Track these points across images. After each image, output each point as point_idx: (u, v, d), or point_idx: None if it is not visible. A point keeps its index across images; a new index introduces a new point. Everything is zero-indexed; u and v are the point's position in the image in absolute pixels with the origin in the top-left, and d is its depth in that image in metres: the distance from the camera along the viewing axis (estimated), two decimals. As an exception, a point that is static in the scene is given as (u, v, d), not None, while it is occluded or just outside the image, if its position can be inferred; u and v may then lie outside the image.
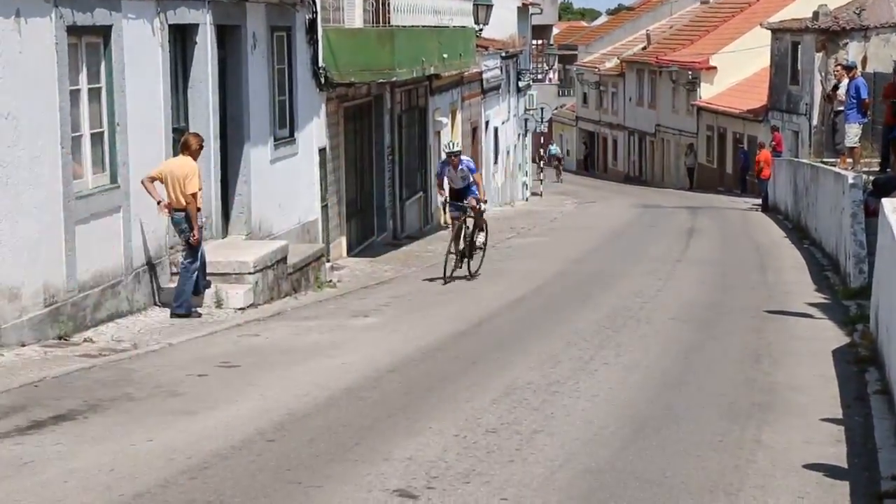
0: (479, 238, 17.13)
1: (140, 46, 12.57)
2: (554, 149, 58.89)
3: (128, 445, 7.44)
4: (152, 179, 12.48)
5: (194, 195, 12.48)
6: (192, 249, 12.63)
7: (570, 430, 7.99)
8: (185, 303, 12.57)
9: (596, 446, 7.60)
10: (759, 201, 31.88)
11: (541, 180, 45.30)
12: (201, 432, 7.79)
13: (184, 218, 12.52)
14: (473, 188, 16.68)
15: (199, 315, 12.75)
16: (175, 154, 13.24)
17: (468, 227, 16.72)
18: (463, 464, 7.13)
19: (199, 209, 12.66)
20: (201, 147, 13.02)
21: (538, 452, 7.41)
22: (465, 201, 16.50)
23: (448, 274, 16.27)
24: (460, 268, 16.62)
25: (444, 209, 17.09)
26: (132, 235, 12.45)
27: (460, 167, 16.52)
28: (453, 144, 17.19)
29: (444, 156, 17.85)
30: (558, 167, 57.01)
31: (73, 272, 11.22)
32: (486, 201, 17.50)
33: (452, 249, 16.56)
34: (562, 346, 11.21)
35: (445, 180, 16.77)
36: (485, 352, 10.97)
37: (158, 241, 13.12)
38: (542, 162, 50.56)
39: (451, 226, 17.10)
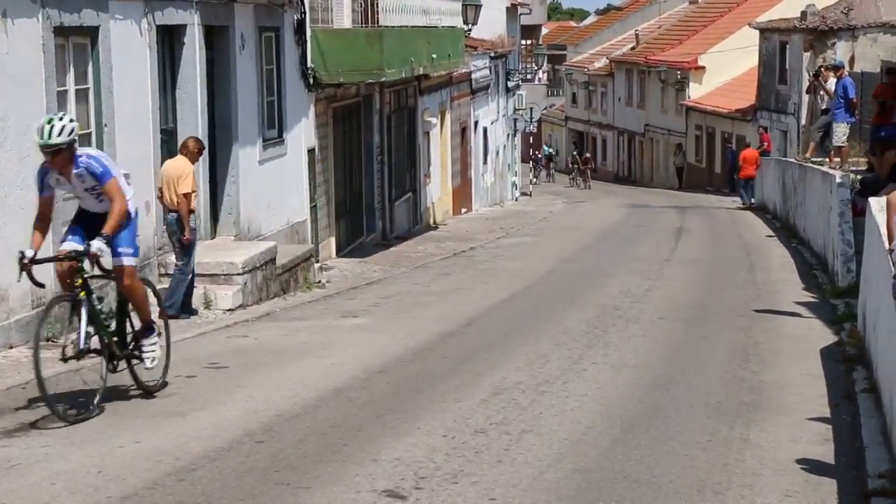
0: (133, 322, 9.01)
1: (127, 47, 12.55)
2: (547, 150, 58.91)
3: (116, 447, 7.43)
4: (161, 190, 12.67)
5: (186, 196, 12.49)
6: (186, 251, 12.62)
7: (559, 429, 7.99)
8: (176, 303, 12.52)
9: (584, 446, 7.61)
10: (749, 200, 31.95)
11: (531, 181, 45.45)
12: (189, 434, 7.78)
13: (176, 219, 12.54)
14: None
15: (196, 313, 12.78)
16: (164, 155, 13.24)
17: (93, 300, 8.48)
18: (451, 464, 7.13)
19: (192, 211, 12.63)
20: (200, 151, 13.11)
21: (527, 452, 7.41)
22: (87, 245, 8.30)
23: (40, 388, 7.98)
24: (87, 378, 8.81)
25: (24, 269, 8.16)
26: (120, 236, 12.40)
27: (76, 171, 8.27)
28: (50, 130, 8.04)
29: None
30: (548, 166, 56.69)
31: (61, 274, 11.17)
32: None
33: (47, 335, 9.50)
34: (550, 345, 11.22)
35: (56, 199, 8.79)
36: (474, 352, 10.97)
37: (147, 242, 13.09)
38: (535, 163, 50.85)
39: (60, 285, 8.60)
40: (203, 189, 14.59)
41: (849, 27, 33.36)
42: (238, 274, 13.58)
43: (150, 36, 13.09)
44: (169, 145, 14.01)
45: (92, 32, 11.94)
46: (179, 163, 12.72)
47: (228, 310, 13.22)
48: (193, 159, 12.87)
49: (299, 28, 17.88)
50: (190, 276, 12.76)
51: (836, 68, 21.57)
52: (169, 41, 14.00)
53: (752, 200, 31.79)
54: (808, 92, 26.05)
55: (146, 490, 6.58)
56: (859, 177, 16.67)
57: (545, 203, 38.65)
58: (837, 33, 33.43)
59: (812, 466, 7.18)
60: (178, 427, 7.96)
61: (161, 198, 12.75)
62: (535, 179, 52.41)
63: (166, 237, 13.54)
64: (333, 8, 19.98)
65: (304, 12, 17.96)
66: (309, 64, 18.30)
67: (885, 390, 7.86)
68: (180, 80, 14.25)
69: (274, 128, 17.22)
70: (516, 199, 41.17)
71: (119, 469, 6.96)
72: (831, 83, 21.11)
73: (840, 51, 32.95)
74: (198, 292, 13.21)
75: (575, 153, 57.05)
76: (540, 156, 57.89)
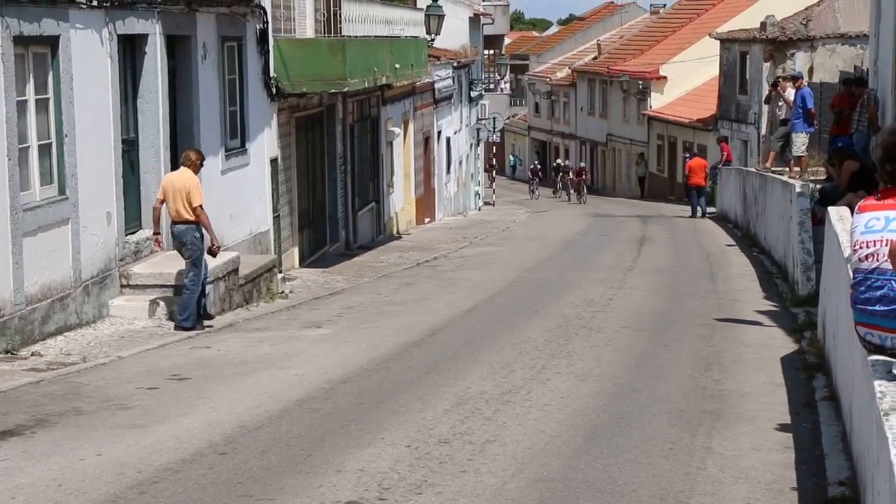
0: None
1: (88, 57, 12.48)
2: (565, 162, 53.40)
3: (76, 460, 7.37)
4: (161, 201, 12.90)
5: (200, 207, 12.71)
6: (196, 262, 12.72)
7: (523, 439, 8.01)
8: (191, 316, 12.60)
9: (548, 455, 7.63)
10: (711, 209, 32.17)
11: (492, 189, 45.46)
12: (152, 446, 7.74)
13: (185, 230, 12.66)
14: None
15: (212, 317, 13.18)
16: (126, 165, 13.15)
17: None
18: (415, 475, 7.13)
19: (196, 221, 12.76)
20: (202, 163, 13.26)
21: (490, 462, 7.42)
22: None
23: None
24: None
25: None
26: (81, 248, 12.34)
27: None
28: None
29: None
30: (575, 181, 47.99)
31: (21, 285, 11.10)
32: (216, 245, 12.98)
33: None
34: (514, 355, 11.24)
35: None
36: (437, 362, 10.97)
37: (108, 253, 13.02)
38: (567, 178, 47.88)
39: None
40: (165, 199, 14.50)
41: (808, 38, 33.70)
42: (200, 284, 13.48)
43: (112, 45, 13.02)
44: (130, 155, 13.94)
45: (52, 42, 11.85)
46: (185, 175, 12.83)
47: (191, 321, 13.13)
48: (196, 171, 13.02)
49: (262, 38, 17.84)
50: (201, 286, 12.85)
51: (795, 79, 21.78)
52: (130, 51, 13.93)
53: (709, 210, 31.95)
54: (766, 102, 26.30)
55: (107, 503, 6.54)
56: (819, 186, 16.84)
57: (508, 213, 38.73)
58: (797, 44, 33.76)
59: (773, 474, 7.24)
60: (140, 439, 7.91)
61: (157, 208, 12.97)
62: (536, 193, 49.83)
63: (127, 248, 13.48)
64: (296, 18, 19.95)
65: (267, 22, 17.92)
66: (271, 73, 18.26)
67: (845, 398, 7.94)
68: (142, 90, 14.17)
69: (236, 137, 17.16)
70: (479, 209, 41.23)
71: (80, 482, 6.91)
72: (790, 93, 21.32)
73: (799, 61, 33.28)
74: (160, 303, 13.15)
75: (561, 161, 53.40)
76: (560, 168, 52.35)
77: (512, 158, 65.50)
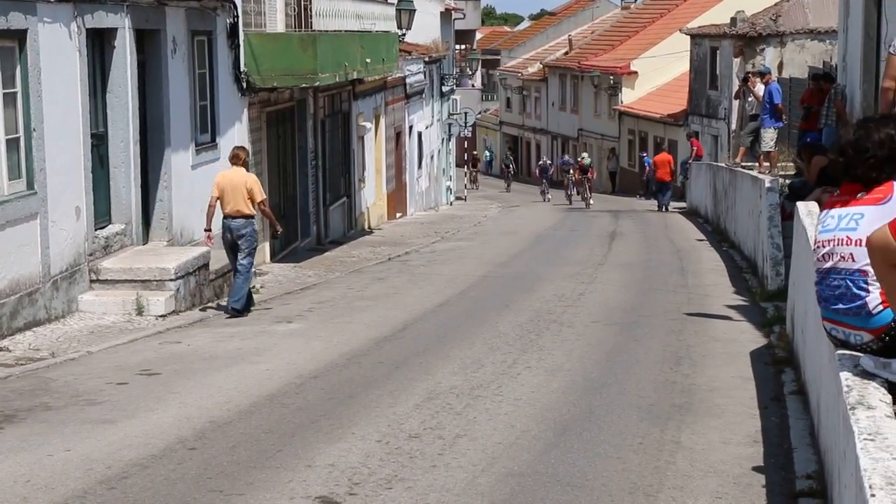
0: None
1: (57, 51, 12.40)
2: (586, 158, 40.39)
3: (45, 456, 7.34)
4: (217, 199, 13.83)
5: (264, 201, 14.00)
6: (252, 252, 13.83)
7: (493, 434, 8.02)
8: (241, 299, 13.62)
9: (518, 450, 7.64)
10: (681, 205, 32.40)
11: (466, 186, 45.44)
12: (121, 441, 7.71)
13: (245, 224, 13.68)
14: None
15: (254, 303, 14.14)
16: (95, 160, 13.08)
17: None
18: (385, 469, 7.13)
19: (252, 215, 13.85)
20: (247, 157, 14.44)
21: (461, 457, 7.43)
22: None
23: None
24: None
25: None
26: (50, 242, 12.27)
27: None
28: None
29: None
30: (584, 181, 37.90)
31: (-11, 280, 11.02)
32: (278, 229, 15.02)
33: None
34: (485, 350, 11.26)
35: None
36: (408, 357, 10.97)
37: (77, 248, 12.95)
38: (569, 177, 39.82)
39: None
40: (135, 194, 14.46)
41: (777, 34, 33.89)
42: (171, 280, 13.46)
43: (80, 39, 12.93)
44: (99, 150, 13.87)
45: (20, 35, 11.76)
46: (240, 173, 13.86)
47: (161, 316, 13.10)
48: (247, 167, 14.19)
49: (232, 32, 17.77)
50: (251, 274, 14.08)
51: (763, 74, 21.89)
52: (99, 45, 13.85)
53: (676, 205, 32.38)
54: (736, 97, 26.43)
55: (76, 499, 6.51)
56: (788, 181, 16.93)
57: (480, 207, 38.75)
58: (766, 39, 33.96)
59: (742, 468, 7.28)
60: (108, 435, 7.88)
61: (213, 206, 13.84)
62: (548, 196, 43.20)
63: (97, 243, 13.41)
64: (266, 12, 19.88)
65: (237, 16, 17.85)
66: (242, 68, 18.19)
67: (812, 392, 7.99)
68: (111, 84, 14.10)
69: (207, 132, 17.09)
70: (451, 204, 41.24)
71: (48, 478, 6.87)
72: (759, 88, 21.43)
73: (769, 56, 33.47)
74: (129, 298, 13.11)
75: (569, 158, 43.68)
76: (567, 165, 42.68)
77: (487, 154, 65.42)
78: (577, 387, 9.65)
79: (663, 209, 32.57)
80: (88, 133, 13.26)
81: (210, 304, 14.26)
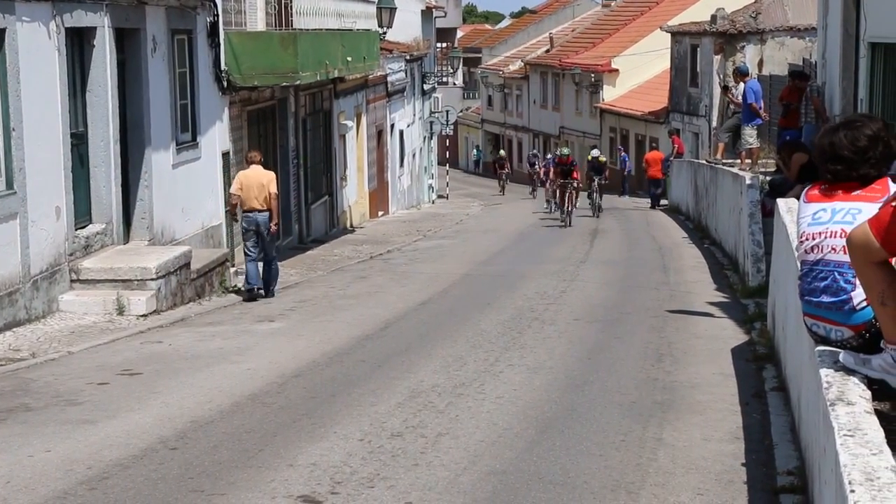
0: None
1: (36, 50, 12.34)
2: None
3: (25, 457, 7.30)
4: (238, 195, 15.17)
5: (277, 195, 15.44)
6: (274, 240, 15.55)
7: (475, 432, 8.02)
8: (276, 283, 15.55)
9: (500, 448, 7.65)
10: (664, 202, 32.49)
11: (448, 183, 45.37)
12: (102, 442, 7.68)
13: (269, 217, 15.08)
14: None
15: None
16: (75, 159, 13.05)
17: None
18: (367, 468, 7.12)
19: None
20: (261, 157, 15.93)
21: (443, 455, 7.43)
22: None
23: None
24: None
25: None
26: (29, 242, 12.21)
27: None
28: None
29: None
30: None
31: (-32, 281, 10.96)
32: (275, 222, 15.62)
33: None
34: (467, 348, 11.26)
35: None
36: (390, 355, 10.96)
37: (58, 248, 12.89)
38: (534, 170, 37.34)
39: None
40: (115, 193, 14.41)
41: (757, 31, 33.99)
42: (152, 279, 13.41)
43: (59, 38, 12.87)
44: (80, 149, 13.81)
45: (-2, 34, 11.71)
46: (260, 171, 15.26)
47: (142, 315, 13.06)
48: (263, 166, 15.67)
49: (212, 31, 17.71)
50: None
51: (743, 74, 21.97)
52: (79, 44, 13.79)
53: (663, 202, 32.44)
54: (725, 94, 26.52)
55: (56, 500, 6.48)
56: (768, 178, 16.98)
57: (462, 206, 38.75)
58: (746, 37, 34.05)
59: (723, 464, 7.30)
60: (89, 435, 7.85)
61: (235, 203, 15.33)
62: (552, 204, 31.46)
63: (77, 243, 13.35)
64: (247, 11, 19.83)
65: (217, 15, 17.80)
66: (223, 67, 18.15)
67: (793, 388, 8.02)
68: (90, 84, 14.04)
69: (188, 131, 17.04)
70: (433, 202, 41.22)
71: (28, 479, 6.84)
72: (740, 87, 21.49)
73: (749, 54, 33.57)
74: (110, 298, 13.06)
75: (538, 152, 41.46)
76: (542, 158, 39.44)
77: (476, 152, 65.43)
78: (560, 384, 9.66)
79: (657, 207, 32.43)
80: (68, 132, 13.20)
81: (253, 292, 15.15)
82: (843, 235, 5.30)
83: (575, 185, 28.21)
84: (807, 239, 5.52)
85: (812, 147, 7.24)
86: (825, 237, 5.42)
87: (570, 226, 27.18)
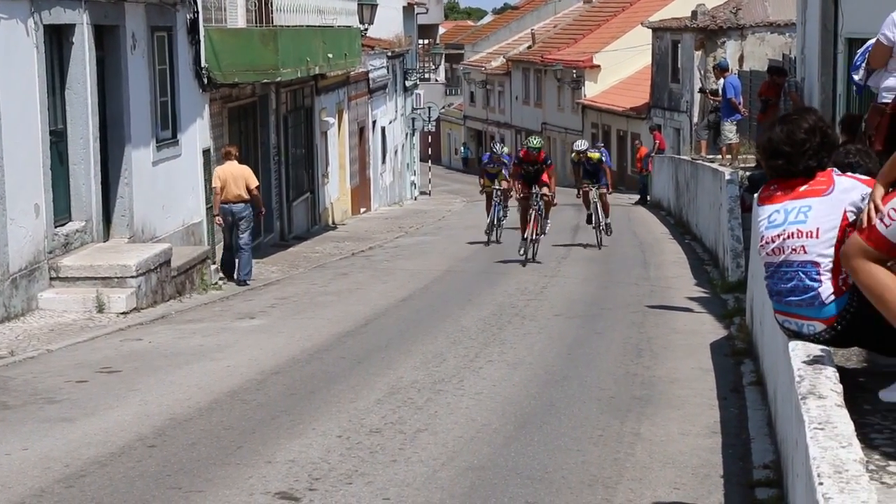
0: None
1: (13, 47, 12.30)
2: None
3: (2, 455, 7.29)
4: (221, 189, 16.41)
5: (258, 187, 16.77)
6: (253, 230, 16.82)
7: (454, 428, 8.04)
8: (250, 272, 16.53)
9: (479, 444, 7.67)
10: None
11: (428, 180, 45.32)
12: (80, 440, 7.67)
13: (245, 208, 16.38)
14: None
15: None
16: (54, 157, 13.03)
17: None
18: (346, 465, 7.14)
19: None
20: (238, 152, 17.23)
21: (421, 451, 7.45)
22: None
23: None
24: None
25: None
26: (8, 240, 12.17)
27: None
28: None
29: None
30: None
31: (-53, 279, 10.92)
32: (262, 211, 17.55)
33: None
34: (447, 344, 11.28)
35: None
36: (370, 352, 10.98)
37: (37, 245, 12.85)
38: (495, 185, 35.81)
39: None
40: (95, 190, 14.37)
41: (738, 27, 34.08)
42: (132, 276, 13.39)
43: (37, 35, 12.83)
44: (59, 147, 13.77)
45: (-24, 32, 11.67)
46: (236, 166, 16.59)
47: (122, 313, 13.03)
48: (240, 160, 16.98)
49: (192, 27, 17.67)
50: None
51: (723, 69, 22.04)
52: (57, 41, 13.74)
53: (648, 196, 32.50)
54: (702, 93, 26.61)
55: (33, 498, 6.48)
56: (748, 174, 17.05)
57: (444, 202, 38.76)
58: (727, 32, 34.14)
59: (700, 459, 7.34)
60: (67, 433, 7.84)
61: (218, 195, 16.42)
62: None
63: (56, 241, 13.32)
64: (227, 7, 19.80)
65: (197, 11, 17.76)
66: (203, 64, 18.11)
67: (770, 383, 8.06)
68: (69, 81, 13.99)
69: (168, 128, 17.00)
70: (415, 199, 41.22)
71: (5, 477, 6.83)
72: (720, 83, 21.57)
73: (730, 49, 33.65)
74: (90, 295, 13.04)
75: (587, 148, 33.99)
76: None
77: (463, 149, 65.43)
78: (539, 380, 9.69)
79: (646, 201, 32.43)
80: (47, 130, 13.16)
81: (220, 281, 16.44)
82: (799, 235, 5.36)
83: (543, 197, 18.92)
84: (767, 242, 5.55)
85: (763, 154, 7.20)
86: (783, 238, 5.46)
87: (535, 261, 18.25)
